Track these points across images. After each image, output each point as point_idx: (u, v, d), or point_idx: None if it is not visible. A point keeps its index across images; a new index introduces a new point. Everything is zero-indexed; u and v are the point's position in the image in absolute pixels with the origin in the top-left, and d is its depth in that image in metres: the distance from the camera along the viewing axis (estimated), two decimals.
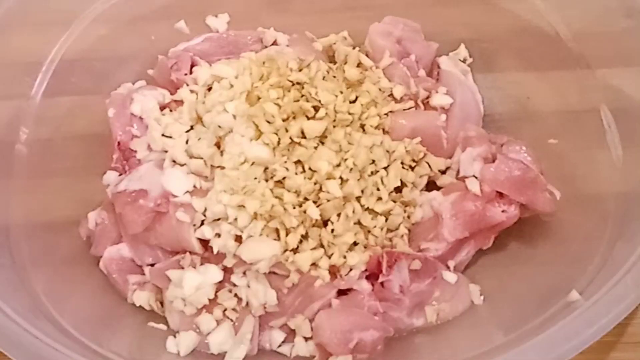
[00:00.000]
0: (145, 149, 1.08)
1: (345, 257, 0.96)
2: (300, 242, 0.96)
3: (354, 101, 1.07)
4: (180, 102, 1.13)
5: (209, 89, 1.13)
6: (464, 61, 1.20)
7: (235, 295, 0.97)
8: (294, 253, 0.95)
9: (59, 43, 1.15)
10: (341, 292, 0.97)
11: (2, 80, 1.10)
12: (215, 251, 0.97)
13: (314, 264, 0.96)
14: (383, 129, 1.07)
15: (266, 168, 0.98)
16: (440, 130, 1.10)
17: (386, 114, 1.08)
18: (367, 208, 0.99)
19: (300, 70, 1.12)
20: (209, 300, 0.97)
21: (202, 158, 1.02)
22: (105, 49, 1.19)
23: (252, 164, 0.99)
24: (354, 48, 1.19)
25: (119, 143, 1.10)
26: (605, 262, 0.90)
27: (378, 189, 1.00)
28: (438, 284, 0.99)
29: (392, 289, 0.95)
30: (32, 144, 1.09)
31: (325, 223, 0.97)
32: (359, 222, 0.98)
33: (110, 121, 1.11)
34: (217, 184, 0.99)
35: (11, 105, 1.10)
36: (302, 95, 1.04)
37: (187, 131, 1.08)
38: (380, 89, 1.10)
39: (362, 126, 1.05)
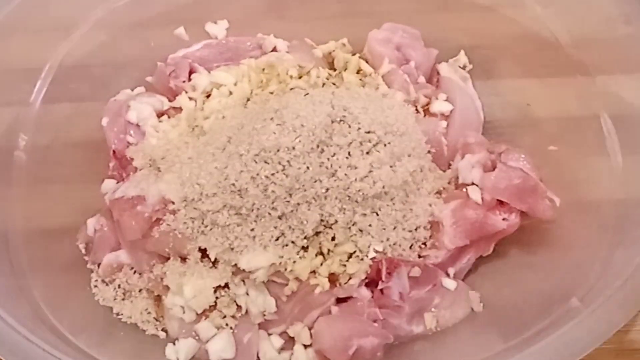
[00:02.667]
0: (142, 156, 1.07)
1: (345, 265, 0.96)
2: (299, 251, 0.96)
3: None
4: (179, 109, 1.13)
5: (208, 96, 1.13)
6: (463, 68, 1.20)
7: (235, 302, 0.97)
8: (294, 262, 0.95)
9: (58, 49, 1.15)
10: (340, 299, 0.97)
11: (1, 86, 1.10)
12: (212, 258, 0.96)
13: (313, 272, 0.96)
14: None
15: None
16: (441, 136, 1.10)
17: None
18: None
19: (300, 77, 1.12)
20: (209, 307, 0.96)
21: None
22: (104, 56, 1.19)
23: None
24: (353, 55, 1.19)
25: (114, 151, 1.10)
26: (605, 269, 0.90)
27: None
28: (438, 291, 0.99)
29: (392, 295, 0.95)
30: (31, 150, 1.09)
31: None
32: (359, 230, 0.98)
33: (104, 130, 1.11)
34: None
35: (10, 112, 1.10)
36: None
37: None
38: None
39: None
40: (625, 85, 1.04)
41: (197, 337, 0.96)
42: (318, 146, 0.96)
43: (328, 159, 0.96)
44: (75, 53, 1.16)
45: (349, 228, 0.96)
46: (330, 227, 0.96)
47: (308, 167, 0.94)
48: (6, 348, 0.81)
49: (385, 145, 1.00)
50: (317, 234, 0.96)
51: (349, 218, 0.96)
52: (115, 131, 1.11)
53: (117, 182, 1.09)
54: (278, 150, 0.94)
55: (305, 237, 0.95)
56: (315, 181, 0.94)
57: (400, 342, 0.97)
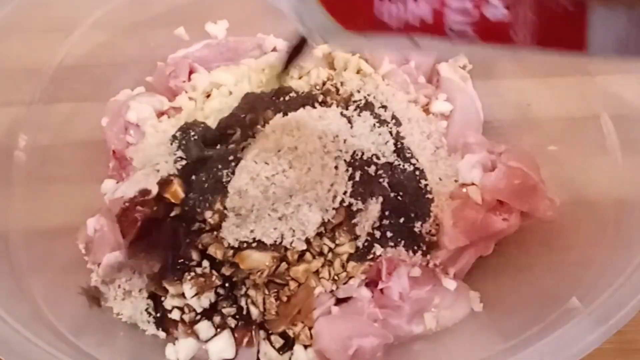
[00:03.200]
0: (142, 156, 1.07)
1: (344, 265, 0.96)
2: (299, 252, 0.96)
3: None
4: (179, 109, 1.14)
5: (208, 96, 1.13)
6: (463, 68, 1.20)
7: (235, 302, 0.97)
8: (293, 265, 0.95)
9: (58, 49, 1.15)
10: (340, 299, 0.97)
11: (1, 86, 1.10)
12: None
13: (313, 272, 0.96)
14: None
15: None
16: (441, 136, 1.10)
17: None
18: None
19: (300, 77, 1.12)
20: (209, 307, 0.96)
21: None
22: (104, 56, 1.19)
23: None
24: (353, 55, 1.19)
25: (114, 151, 1.10)
26: (605, 269, 0.89)
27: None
28: (438, 291, 0.99)
29: (392, 295, 0.95)
30: (31, 150, 1.09)
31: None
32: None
33: (104, 130, 1.11)
34: None
35: (10, 112, 1.10)
36: None
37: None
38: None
39: None
40: (625, 85, 1.04)
41: (197, 337, 0.96)
42: (325, 146, 0.96)
43: (331, 160, 0.96)
44: (75, 53, 1.16)
45: (350, 228, 0.96)
46: (332, 229, 0.96)
47: (310, 169, 0.94)
48: (6, 348, 0.81)
49: (391, 142, 1.00)
50: (318, 234, 0.96)
51: (350, 219, 0.96)
52: (115, 131, 1.11)
53: (117, 182, 1.09)
54: (279, 151, 0.94)
55: (306, 239, 0.95)
56: (317, 182, 0.94)
57: (400, 342, 0.97)
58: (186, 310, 0.97)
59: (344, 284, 0.96)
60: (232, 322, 0.96)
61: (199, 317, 0.97)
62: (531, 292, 0.97)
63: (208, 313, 0.97)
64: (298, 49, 0.76)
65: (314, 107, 1.04)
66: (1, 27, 1.09)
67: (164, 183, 0.99)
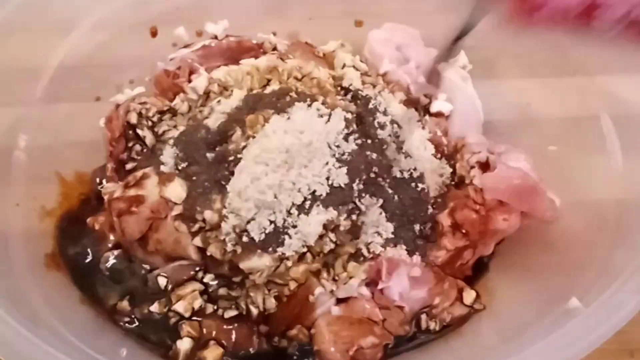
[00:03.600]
0: (141, 157, 1.07)
1: (345, 266, 0.96)
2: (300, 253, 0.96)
3: None
4: (179, 110, 1.13)
5: (208, 96, 1.13)
6: (464, 68, 1.20)
7: (235, 302, 0.97)
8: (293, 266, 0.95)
9: (58, 49, 1.15)
10: (340, 299, 0.97)
11: (1, 86, 1.10)
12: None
13: (313, 272, 0.95)
14: None
15: None
16: (441, 137, 1.10)
17: None
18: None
19: (302, 77, 1.12)
20: (209, 307, 0.97)
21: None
22: (104, 56, 1.19)
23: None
24: (353, 55, 1.19)
25: (112, 152, 1.10)
26: (605, 270, 0.89)
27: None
28: (438, 290, 0.99)
29: (392, 295, 0.95)
30: (31, 150, 1.09)
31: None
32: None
33: (103, 130, 1.11)
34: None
35: (10, 112, 1.10)
36: None
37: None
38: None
39: None
40: (625, 85, 1.04)
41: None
42: (325, 147, 0.96)
43: (332, 161, 0.96)
44: (75, 53, 1.16)
45: (351, 229, 0.96)
46: (332, 230, 0.96)
47: (310, 170, 0.94)
48: (6, 348, 0.81)
49: (392, 144, 1.00)
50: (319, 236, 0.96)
51: (351, 220, 0.96)
52: (113, 132, 1.11)
53: (116, 183, 1.09)
54: (279, 152, 0.94)
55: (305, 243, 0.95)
56: (317, 183, 0.94)
57: (400, 342, 0.97)
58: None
59: (344, 284, 0.95)
60: (231, 322, 0.96)
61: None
62: (531, 292, 0.97)
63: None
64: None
65: (312, 107, 1.03)
66: (1, 27, 1.09)
67: (165, 183, 0.99)
